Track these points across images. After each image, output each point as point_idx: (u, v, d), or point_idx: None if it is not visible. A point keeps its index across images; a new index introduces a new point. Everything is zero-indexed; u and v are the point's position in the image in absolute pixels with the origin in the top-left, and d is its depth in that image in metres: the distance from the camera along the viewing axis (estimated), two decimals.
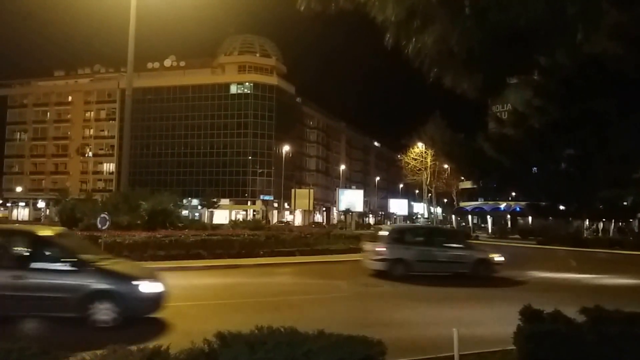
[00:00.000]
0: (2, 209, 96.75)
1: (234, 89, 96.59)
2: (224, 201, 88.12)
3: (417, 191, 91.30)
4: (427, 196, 74.39)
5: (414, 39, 4.52)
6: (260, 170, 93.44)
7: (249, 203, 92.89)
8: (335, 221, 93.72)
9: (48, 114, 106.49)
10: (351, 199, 66.57)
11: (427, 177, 69.11)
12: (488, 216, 67.94)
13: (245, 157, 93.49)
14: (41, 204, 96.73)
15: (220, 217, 75.96)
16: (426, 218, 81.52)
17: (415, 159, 69.05)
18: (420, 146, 67.89)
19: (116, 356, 4.31)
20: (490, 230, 64.23)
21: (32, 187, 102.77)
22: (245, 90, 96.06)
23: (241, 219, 49.68)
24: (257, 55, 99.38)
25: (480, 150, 8.57)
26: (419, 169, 69.31)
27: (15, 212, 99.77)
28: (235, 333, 4.79)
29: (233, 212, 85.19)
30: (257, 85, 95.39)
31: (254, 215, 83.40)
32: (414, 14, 4.34)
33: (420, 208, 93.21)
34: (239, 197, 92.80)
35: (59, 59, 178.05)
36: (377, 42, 4.89)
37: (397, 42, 4.62)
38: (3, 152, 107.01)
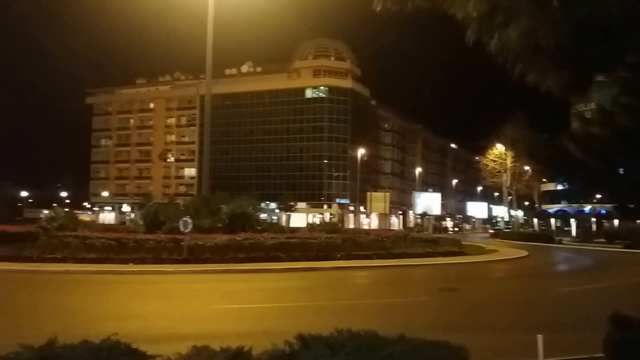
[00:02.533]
0: (89, 212, 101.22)
1: (309, 93, 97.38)
2: (301, 204, 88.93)
3: (496, 194, 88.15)
4: (508, 199, 71.67)
5: (497, 35, 4.35)
6: (336, 174, 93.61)
7: (325, 206, 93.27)
8: (411, 224, 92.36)
9: (131, 120, 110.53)
10: (428, 202, 65.51)
11: (507, 179, 66.60)
12: (572, 219, 64.67)
13: (320, 161, 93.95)
14: (126, 208, 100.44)
15: (298, 220, 76.77)
16: (507, 221, 78.56)
17: (495, 161, 66.74)
18: (499, 147, 65.58)
19: (200, 356, 4.39)
20: (574, 234, 61.02)
21: (117, 192, 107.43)
22: (320, 94, 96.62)
23: (318, 222, 49.86)
24: (332, 59, 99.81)
25: (565, 150, 8.13)
26: (499, 171, 66.93)
27: (101, 215, 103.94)
28: (315, 335, 4.78)
29: (310, 216, 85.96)
30: (332, 89, 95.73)
31: (330, 218, 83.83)
32: (497, 9, 4.18)
33: (500, 211, 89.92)
34: (315, 200, 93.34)
35: (140, 67, 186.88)
36: (454, 40, 4.76)
37: (479, 39, 4.47)
38: (90, 158, 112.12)
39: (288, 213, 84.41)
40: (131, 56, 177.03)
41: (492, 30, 4.33)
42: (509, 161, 64.94)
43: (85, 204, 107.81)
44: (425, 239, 30.54)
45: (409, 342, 4.70)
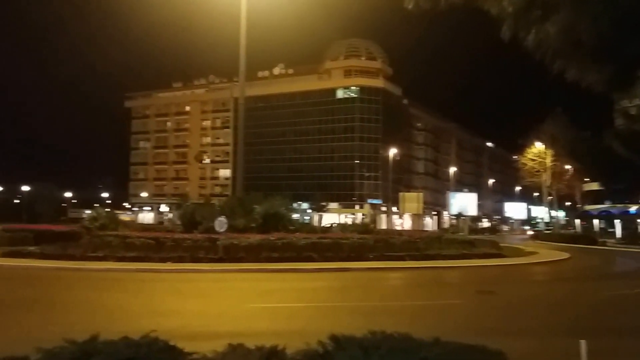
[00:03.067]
0: (129, 212, 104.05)
1: (340, 94, 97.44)
2: (333, 205, 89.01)
3: (536, 194, 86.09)
4: (548, 199, 69.95)
5: (534, 30, 4.25)
6: (368, 174, 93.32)
7: (357, 207, 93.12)
8: (446, 225, 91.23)
9: (168, 123, 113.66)
10: (463, 202, 64.54)
11: (547, 179, 64.95)
12: (616, 220, 62.60)
13: (352, 161, 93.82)
14: (164, 208, 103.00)
15: (329, 220, 76.76)
16: (547, 222, 76.67)
17: (534, 160, 65.09)
18: (538, 146, 64.01)
19: (235, 354, 4.42)
20: (619, 236, 59.11)
21: (156, 192, 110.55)
22: (352, 94, 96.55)
23: (350, 223, 49.92)
24: (363, 58, 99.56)
25: (608, 149, 7.87)
26: (538, 170, 65.27)
27: (140, 215, 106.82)
28: (348, 336, 4.76)
29: (342, 216, 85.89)
30: (363, 89, 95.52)
31: (362, 219, 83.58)
32: (534, 3, 4.08)
33: (539, 212, 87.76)
34: (347, 200, 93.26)
35: (177, 71, 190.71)
36: (488, 36, 4.66)
37: (514, 35, 4.37)
38: (129, 160, 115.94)
39: (320, 213, 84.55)
40: (168, 61, 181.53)
41: (529, 25, 4.24)
42: (548, 160, 63.34)
43: (125, 204, 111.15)
44: (460, 240, 30.04)
45: (444, 346, 4.62)
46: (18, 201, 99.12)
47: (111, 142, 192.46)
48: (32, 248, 22.98)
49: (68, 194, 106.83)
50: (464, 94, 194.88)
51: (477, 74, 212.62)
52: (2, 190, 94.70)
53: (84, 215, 40.58)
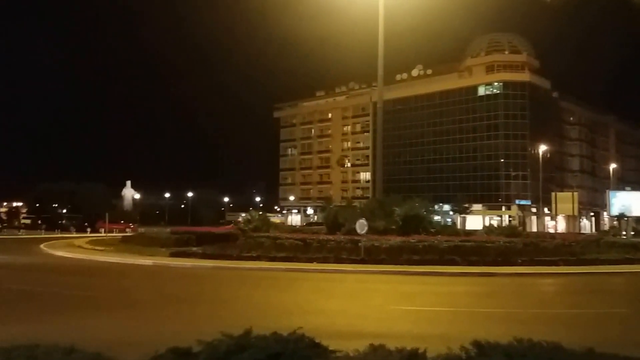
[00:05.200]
0: (279, 215, 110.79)
1: (481, 91, 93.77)
2: (476, 206, 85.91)
3: None
4: None
5: None
6: (514, 173, 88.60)
7: (503, 208, 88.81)
8: (606, 228, 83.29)
9: (312, 130, 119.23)
10: (626, 201, 58.29)
11: None
12: None
13: (496, 160, 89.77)
14: (310, 211, 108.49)
15: (473, 222, 74.26)
16: None
17: None
18: None
19: (376, 355, 4.55)
20: None
21: (302, 196, 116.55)
22: (494, 90, 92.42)
23: (495, 225, 47.70)
24: (506, 52, 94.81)
25: None
26: None
27: (289, 217, 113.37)
28: (493, 343, 4.67)
29: (486, 218, 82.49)
30: (507, 84, 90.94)
31: (509, 221, 79.43)
32: None
33: None
34: (492, 202, 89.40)
35: (319, 80, 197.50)
36: None
37: None
38: (278, 166, 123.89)
39: (463, 215, 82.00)
40: (312, 71, 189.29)
41: None
42: None
43: (276, 207, 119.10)
44: (622, 244, 27.29)
45: (598, 357, 4.35)
46: (183, 206, 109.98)
47: (262, 150, 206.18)
48: (195, 249, 25.65)
49: (226, 199, 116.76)
50: (621, 83, 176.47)
51: (634, 60, 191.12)
52: (170, 197, 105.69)
53: (240, 218, 43.82)
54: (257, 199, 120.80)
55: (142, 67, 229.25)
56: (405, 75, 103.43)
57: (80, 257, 26.41)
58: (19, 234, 55.76)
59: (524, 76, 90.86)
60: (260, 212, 37.12)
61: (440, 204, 77.48)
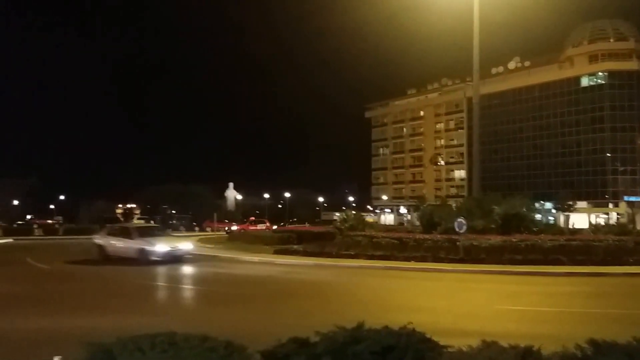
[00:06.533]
0: (372, 214, 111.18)
1: (584, 82, 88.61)
2: (581, 204, 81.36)
3: None
4: None
5: None
6: (622, 168, 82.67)
7: (610, 205, 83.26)
8: None
9: (404, 129, 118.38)
10: None
11: None
12: None
13: (602, 155, 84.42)
14: (403, 210, 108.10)
15: (578, 221, 70.24)
16: None
17: None
18: None
19: (490, 350, 4.61)
20: None
21: (395, 195, 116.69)
22: (599, 80, 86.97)
23: (602, 223, 44.61)
24: (611, 40, 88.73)
25: None
26: None
27: (382, 217, 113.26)
28: (610, 342, 4.60)
29: (592, 216, 77.74)
30: (613, 74, 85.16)
31: (617, 218, 74.30)
32: None
33: None
34: (598, 199, 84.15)
35: (410, 78, 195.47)
36: None
37: None
38: (370, 166, 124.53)
39: (566, 213, 77.83)
40: (402, 69, 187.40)
41: None
42: None
43: (368, 206, 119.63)
44: None
45: None
46: (280, 206, 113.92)
47: (355, 151, 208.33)
48: (296, 247, 26.83)
49: (320, 199, 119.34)
50: None
51: None
52: (269, 197, 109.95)
53: (335, 218, 44.68)
54: (350, 198, 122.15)
55: (242, 75, 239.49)
56: (501, 69, 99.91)
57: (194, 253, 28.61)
58: None
59: (632, 65, 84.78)
60: (354, 212, 37.64)
61: (542, 202, 74.14)
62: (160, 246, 22.15)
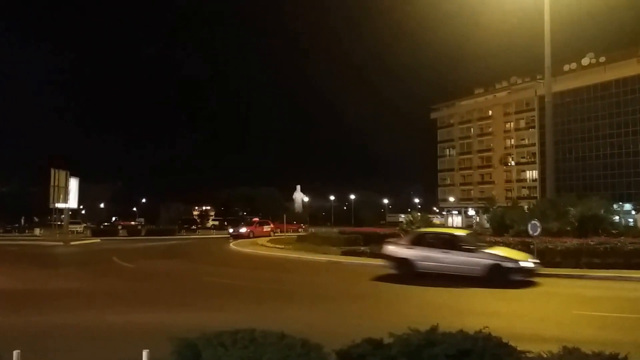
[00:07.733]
0: (439, 216, 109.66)
1: None
2: None
3: None
4: None
5: None
6: None
7: None
8: None
9: (472, 129, 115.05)
10: None
11: None
12: None
13: None
14: (471, 212, 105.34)
15: None
16: None
17: None
18: None
19: (572, 357, 4.44)
20: None
21: (462, 197, 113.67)
22: None
23: None
24: None
25: None
26: None
27: (450, 219, 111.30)
28: None
29: None
30: None
31: None
32: None
33: None
34: None
35: (477, 77, 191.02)
36: None
37: None
38: (436, 167, 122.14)
39: None
40: (468, 68, 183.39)
41: None
42: None
43: (434, 208, 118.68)
44: None
45: None
46: (346, 208, 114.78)
47: (420, 152, 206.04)
48: (363, 248, 26.87)
49: (385, 201, 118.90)
50: None
51: None
52: (334, 199, 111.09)
53: (401, 219, 44.38)
54: (415, 200, 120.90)
55: (306, 81, 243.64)
56: (574, 65, 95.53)
57: (265, 253, 29.98)
58: (212, 233, 64.55)
59: None
60: (420, 213, 37.25)
61: (620, 203, 70.32)
62: (523, 262, 16.75)
